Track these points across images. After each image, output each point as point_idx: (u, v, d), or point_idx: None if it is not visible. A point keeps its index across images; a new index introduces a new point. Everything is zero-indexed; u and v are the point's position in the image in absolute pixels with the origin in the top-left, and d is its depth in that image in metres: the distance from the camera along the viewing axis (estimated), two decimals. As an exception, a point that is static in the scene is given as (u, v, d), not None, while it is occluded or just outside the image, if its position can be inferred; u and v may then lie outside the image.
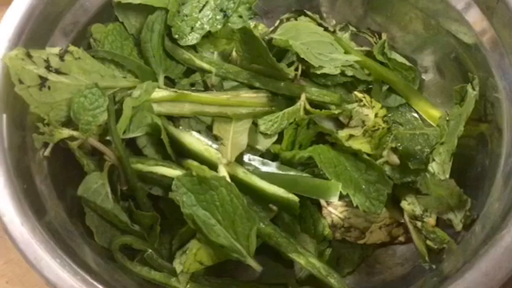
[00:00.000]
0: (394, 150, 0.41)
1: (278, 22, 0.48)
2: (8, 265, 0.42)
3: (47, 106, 0.38)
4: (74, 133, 0.38)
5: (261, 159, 0.41)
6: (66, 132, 0.38)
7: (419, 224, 0.39)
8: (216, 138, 0.42)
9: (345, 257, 0.41)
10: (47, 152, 0.38)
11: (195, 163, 0.40)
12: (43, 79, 0.38)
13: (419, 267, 0.40)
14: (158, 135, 0.40)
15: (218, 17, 0.43)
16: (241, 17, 0.44)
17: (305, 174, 0.40)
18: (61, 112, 0.39)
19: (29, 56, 0.37)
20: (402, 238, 0.41)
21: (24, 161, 0.36)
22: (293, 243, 0.38)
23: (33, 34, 0.38)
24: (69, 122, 0.39)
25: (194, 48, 0.45)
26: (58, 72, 0.39)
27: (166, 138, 0.40)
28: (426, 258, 0.38)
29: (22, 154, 0.37)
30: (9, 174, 0.34)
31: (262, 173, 0.40)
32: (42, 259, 0.31)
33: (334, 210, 0.41)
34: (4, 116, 0.36)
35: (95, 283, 0.31)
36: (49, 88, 0.38)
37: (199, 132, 0.42)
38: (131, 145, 0.41)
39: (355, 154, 0.39)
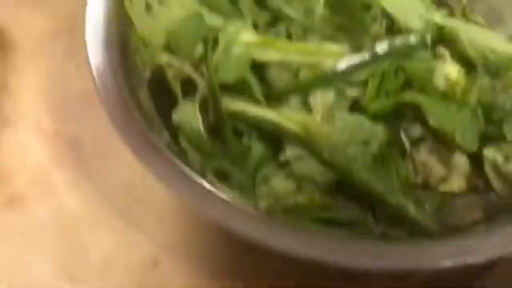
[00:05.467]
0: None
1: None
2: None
3: (150, 30, 0.39)
4: (172, 59, 0.40)
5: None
6: (166, 57, 0.40)
7: (501, 171, 0.40)
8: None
9: (424, 202, 0.42)
10: (147, 74, 0.39)
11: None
12: (148, 5, 0.40)
13: (492, 213, 0.41)
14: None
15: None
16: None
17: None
18: (160, 37, 0.40)
19: (135, -17, 0.40)
20: (480, 186, 0.42)
21: (130, 78, 0.38)
22: (380, 182, 0.39)
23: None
24: (166, 49, 0.40)
25: (280, 0, 0.47)
26: (160, 2, 0.41)
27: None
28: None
29: (128, 72, 0.38)
30: (118, 87, 0.36)
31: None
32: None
33: (417, 154, 0.42)
34: (113, 28, 0.38)
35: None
36: (152, 14, 0.40)
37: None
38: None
39: (445, 97, 0.40)
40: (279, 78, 0.44)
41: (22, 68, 0.48)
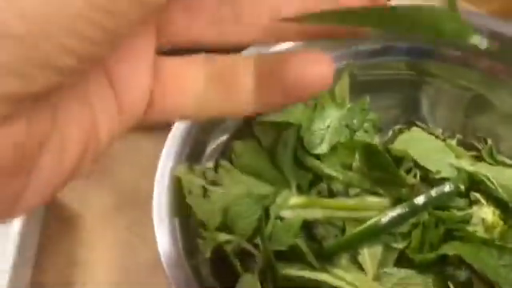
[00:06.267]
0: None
1: (390, 132, 0.54)
2: None
3: (208, 213, 0.44)
4: (230, 237, 0.44)
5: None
6: (223, 236, 0.44)
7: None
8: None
9: None
10: (208, 254, 0.43)
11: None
12: (204, 189, 0.44)
13: None
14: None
15: (344, 132, 0.50)
16: (366, 131, 0.50)
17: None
18: (217, 218, 0.44)
19: (191, 170, 0.44)
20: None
21: (193, 258, 0.42)
22: None
23: (188, 155, 0.46)
24: (222, 227, 0.45)
25: (319, 159, 0.51)
26: (213, 183, 0.45)
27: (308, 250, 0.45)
28: None
29: (191, 253, 0.42)
30: (183, 267, 0.40)
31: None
32: None
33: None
34: (177, 220, 0.42)
35: None
36: (208, 197, 0.44)
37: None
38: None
39: (485, 243, 0.43)
40: (327, 234, 0.48)
41: (90, 242, 0.53)
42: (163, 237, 0.42)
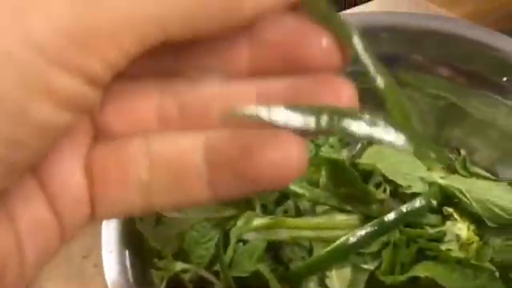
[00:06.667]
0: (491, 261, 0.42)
1: (359, 145, 0.51)
2: None
3: (162, 240, 0.41)
4: (187, 266, 0.41)
5: None
6: (180, 265, 0.41)
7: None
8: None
9: None
10: (163, 285, 0.40)
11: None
12: (158, 215, 0.41)
13: None
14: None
15: (309, 147, 0.47)
16: (332, 146, 0.47)
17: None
18: (173, 245, 0.41)
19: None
20: None
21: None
22: None
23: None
24: (179, 255, 0.42)
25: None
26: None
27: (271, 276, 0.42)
28: None
29: (143, 286, 0.39)
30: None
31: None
32: None
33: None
34: (127, 252, 0.39)
35: None
36: (163, 223, 0.41)
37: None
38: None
39: (459, 262, 0.40)
40: (294, 256, 0.45)
41: (44, 274, 0.49)
42: (112, 268, 0.39)
